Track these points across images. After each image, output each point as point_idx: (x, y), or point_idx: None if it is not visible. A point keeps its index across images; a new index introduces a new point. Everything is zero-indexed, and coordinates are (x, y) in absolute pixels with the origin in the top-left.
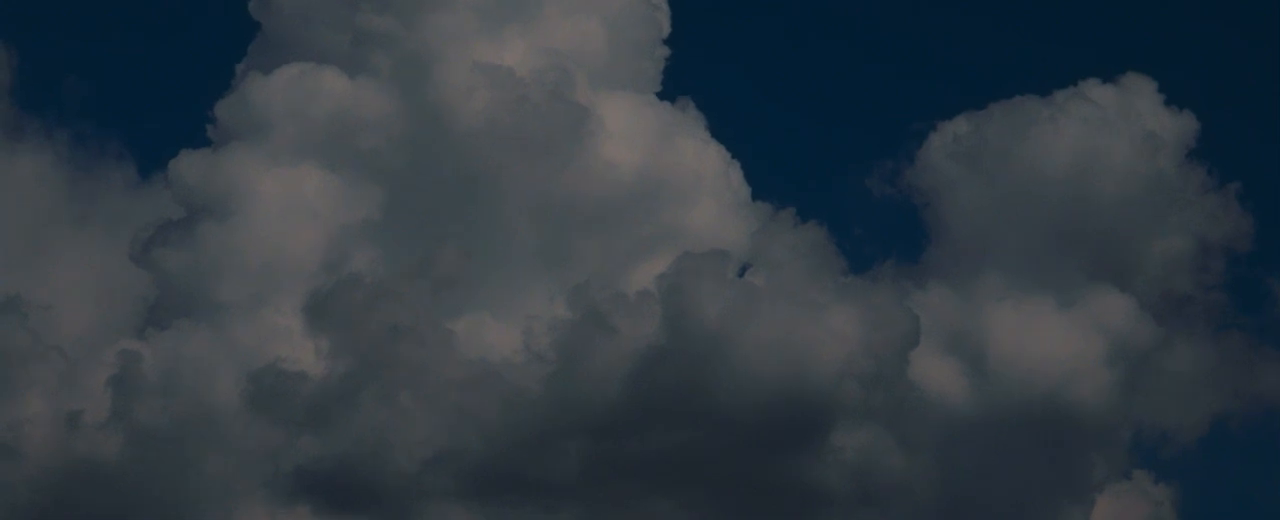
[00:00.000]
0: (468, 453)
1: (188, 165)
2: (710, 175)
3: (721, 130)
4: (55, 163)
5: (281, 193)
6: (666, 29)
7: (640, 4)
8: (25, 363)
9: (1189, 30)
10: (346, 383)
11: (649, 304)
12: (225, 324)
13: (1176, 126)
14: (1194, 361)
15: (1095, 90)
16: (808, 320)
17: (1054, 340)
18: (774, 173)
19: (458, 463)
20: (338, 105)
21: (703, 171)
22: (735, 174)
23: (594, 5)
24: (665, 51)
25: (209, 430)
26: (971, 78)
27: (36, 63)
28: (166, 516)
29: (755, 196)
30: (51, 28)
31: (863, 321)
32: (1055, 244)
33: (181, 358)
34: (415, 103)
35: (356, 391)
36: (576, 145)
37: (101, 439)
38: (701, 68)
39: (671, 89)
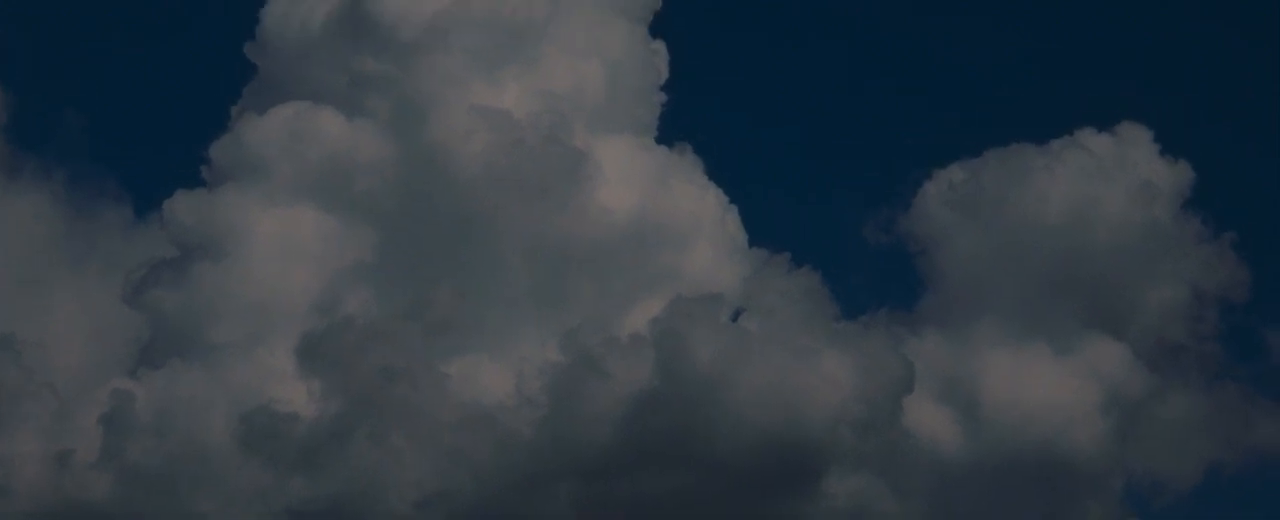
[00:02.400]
0: (459, 495)
1: (182, 205)
2: (707, 220)
3: (718, 175)
4: (51, 202)
5: (276, 234)
6: (665, 74)
7: (639, 48)
8: (17, 400)
9: (1185, 80)
10: (339, 424)
11: (642, 348)
12: (218, 364)
13: (1172, 176)
14: (1188, 410)
15: (1091, 139)
16: (801, 366)
17: (1048, 388)
18: (769, 218)
19: (449, 505)
20: (333, 147)
21: (699, 216)
22: (732, 219)
23: (592, 49)
24: (663, 96)
25: (200, 470)
26: (967, 126)
27: (33, 102)
28: None
29: (752, 242)
30: (49, 67)
31: (856, 367)
32: (1050, 292)
33: (174, 397)
34: (411, 145)
35: (348, 433)
36: (573, 189)
37: (92, 478)
38: (699, 112)
39: (669, 133)
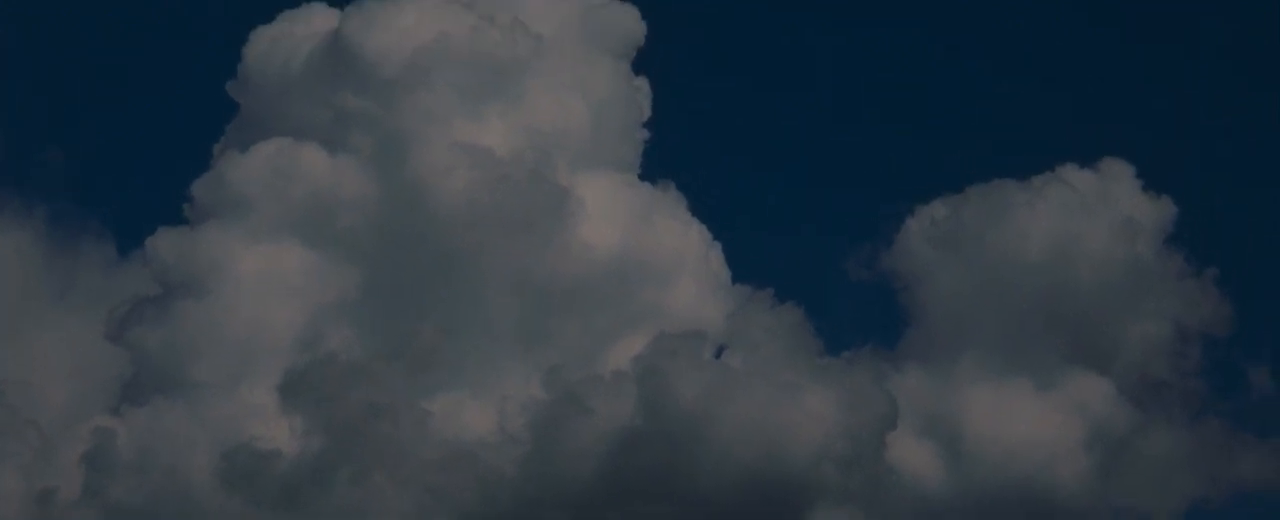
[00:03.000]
0: None
1: (165, 243)
2: (690, 256)
3: (701, 211)
4: (33, 239)
5: (258, 271)
6: (648, 111)
7: (622, 85)
8: None
9: (1167, 116)
10: (321, 462)
11: (625, 385)
12: (200, 402)
13: (1154, 212)
14: (1171, 446)
15: (1073, 175)
16: (784, 402)
17: (1031, 424)
18: (752, 255)
19: None
20: (316, 184)
21: (683, 253)
22: (715, 256)
23: (575, 86)
24: (646, 134)
25: (183, 508)
26: (949, 161)
27: (15, 139)
28: None
29: (735, 279)
30: (31, 105)
31: (840, 403)
32: (1033, 328)
33: (156, 435)
34: (394, 182)
35: (331, 471)
36: (556, 226)
37: (75, 516)
38: (682, 149)
39: (652, 170)
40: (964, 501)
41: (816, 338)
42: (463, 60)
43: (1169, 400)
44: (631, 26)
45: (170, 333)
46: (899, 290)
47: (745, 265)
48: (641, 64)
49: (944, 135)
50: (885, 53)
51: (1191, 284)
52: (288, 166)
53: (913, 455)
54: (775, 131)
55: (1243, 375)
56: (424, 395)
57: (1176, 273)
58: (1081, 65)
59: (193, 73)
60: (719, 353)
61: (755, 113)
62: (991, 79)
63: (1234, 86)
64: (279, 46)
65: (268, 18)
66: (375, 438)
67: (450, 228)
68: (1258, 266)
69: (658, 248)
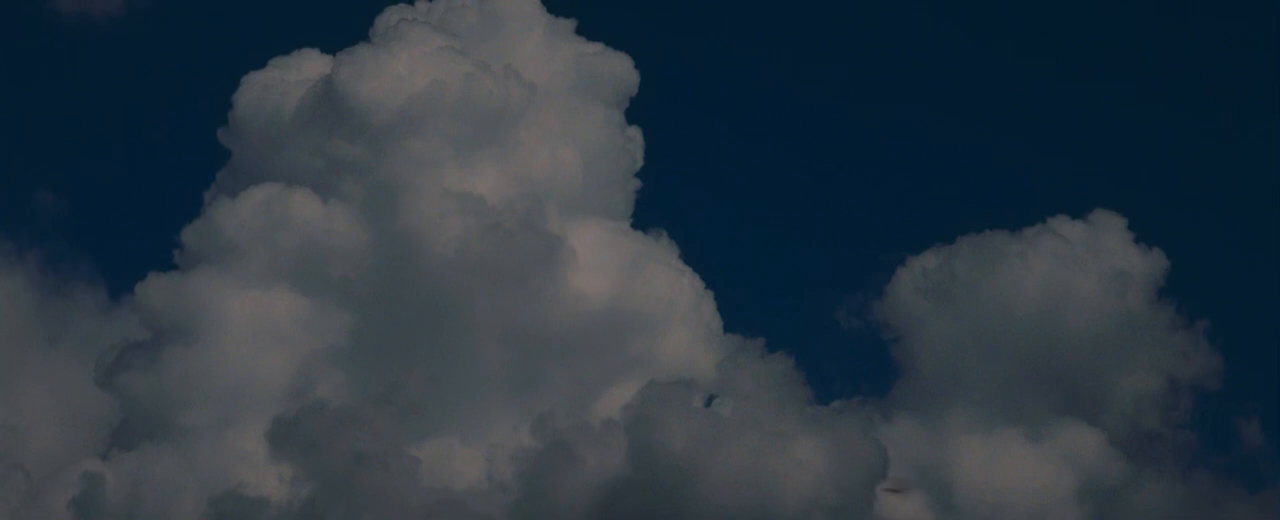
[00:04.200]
0: None
1: (155, 288)
2: (682, 305)
3: (693, 260)
4: (25, 283)
5: (248, 317)
6: (640, 160)
7: (614, 135)
8: None
9: (1158, 168)
10: (309, 508)
11: (614, 433)
12: (189, 448)
13: (1146, 264)
14: (1162, 498)
15: (1064, 226)
16: (775, 451)
17: (1022, 475)
18: (743, 304)
19: None
20: (307, 231)
21: (675, 301)
22: (707, 304)
23: (568, 135)
24: (638, 183)
25: None
26: (941, 212)
27: (8, 184)
28: None
29: (727, 328)
30: (23, 150)
31: (830, 453)
32: (1024, 379)
33: (144, 481)
34: (386, 229)
35: (319, 517)
36: (547, 274)
37: None
38: (674, 199)
39: (644, 219)
40: None
41: (807, 387)
42: (455, 108)
43: (1160, 452)
44: (624, 76)
45: (159, 378)
46: (890, 340)
47: (736, 314)
48: (634, 113)
49: (935, 186)
50: (878, 104)
51: (1182, 336)
52: (278, 213)
53: (903, 506)
54: (767, 181)
55: (1234, 428)
56: (413, 443)
57: (1167, 325)
58: (1073, 117)
59: (185, 119)
60: (709, 402)
61: (747, 162)
62: (983, 131)
63: (1225, 139)
64: (269, 93)
65: (259, 63)
66: (364, 485)
67: (441, 275)
68: (1249, 319)
69: (649, 296)
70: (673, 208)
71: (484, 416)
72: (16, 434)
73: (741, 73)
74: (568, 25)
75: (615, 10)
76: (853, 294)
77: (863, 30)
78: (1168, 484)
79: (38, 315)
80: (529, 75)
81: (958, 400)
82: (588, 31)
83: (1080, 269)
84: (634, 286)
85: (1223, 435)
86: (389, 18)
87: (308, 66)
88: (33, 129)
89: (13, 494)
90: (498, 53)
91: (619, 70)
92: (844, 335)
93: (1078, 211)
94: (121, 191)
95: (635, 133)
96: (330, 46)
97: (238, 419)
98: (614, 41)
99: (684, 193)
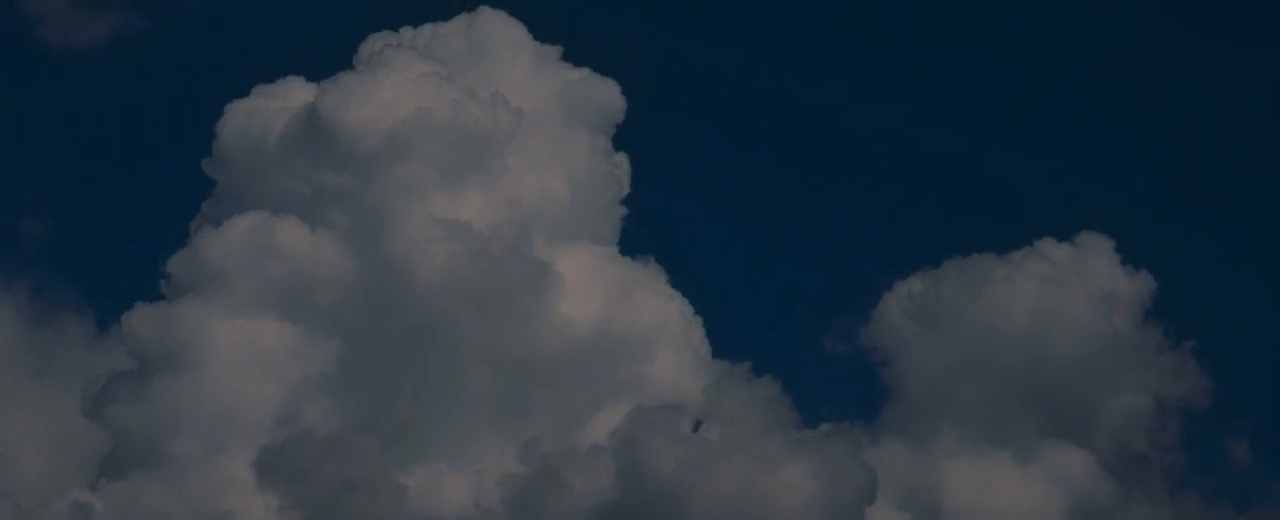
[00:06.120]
0: None
1: (141, 319)
2: (670, 330)
3: (680, 285)
4: (12, 313)
5: (235, 346)
6: (627, 186)
7: (601, 161)
8: None
9: (1145, 190)
10: None
11: (602, 458)
12: (177, 477)
13: (1133, 286)
14: (1151, 519)
15: (1052, 249)
16: (763, 475)
17: (1011, 497)
18: (730, 328)
19: None
20: (293, 259)
21: (662, 326)
22: (696, 329)
23: (554, 161)
24: (624, 209)
25: None
26: (928, 236)
27: None
28: None
29: (715, 353)
30: (9, 179)
31: (818, 477)
32: (1012, 401)
33: (133, 510)
34: (373, 256)
35: None
36: (535, 300)
37: None
38: (661, 224)
39: (631, 245)
40: None
41: (795, 411)
42: (442, 134)
43: (1149, 473)
44: (611, 102)
45: (147, 408)
46: (878, 364)
47: (724, 339)
48: (621, 139)
49: (922, 209)
50: (862, 128)
51: (1170, 357)
52: (264, 242)
53: None
54: (754, 207)
55: (1222, 448)
56: (401, 469)
57: (1155, 346)
58: (1060, 139)
59: (169, 147)
60: (697, 426)
61: (734, 188)
62: (970, 153)
63: (1212, 161)
64: (255, 121)
65: (243, 91)
66: (352, 512)
67: (428, 302)
68: (1236, 340)
69: (636, 321)
70: (660, 233)
71: (472, 442)
72: (5, 464)
73: (728, 99)
74: (554, 51)
75: (602, 36)
76: (840, 318)
77: (849, 56)
78: (1157, 505)
79: (25, 346)
80: (515, 101)
81: (946, 423)
82: (574, 58)
83: (1068, 291)
84: (621, 312)
85: (1211, 456)
86: (373, 44)
87: (292, 94)
88: (18, 158)
89: None
90: (484, 79)
91: (606, 96)
92: (832, 359)
93: (1064, 234)
94: (108, 221)
95: (622, 158)
96: (315, 74)
97: (226, 447)
98: (600, 67)
99: (671, 218)
